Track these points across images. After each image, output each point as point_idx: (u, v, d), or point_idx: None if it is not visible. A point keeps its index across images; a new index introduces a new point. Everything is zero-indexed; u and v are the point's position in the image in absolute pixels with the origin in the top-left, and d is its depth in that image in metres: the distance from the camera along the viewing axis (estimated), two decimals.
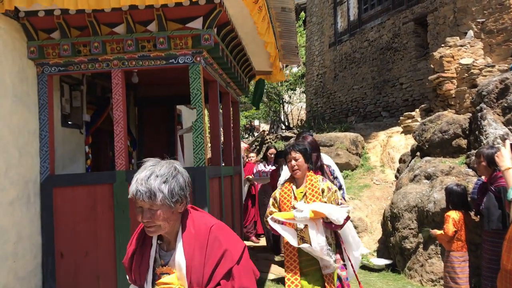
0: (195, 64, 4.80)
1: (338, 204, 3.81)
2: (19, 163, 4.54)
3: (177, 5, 4.54)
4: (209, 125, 6.27)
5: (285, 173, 4.59)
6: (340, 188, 4.42)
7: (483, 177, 4.90)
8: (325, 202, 3.76)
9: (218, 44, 5.06)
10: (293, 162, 3.92)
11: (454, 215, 4.91)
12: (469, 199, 5.20)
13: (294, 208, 3.82)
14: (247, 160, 9.49)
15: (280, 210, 3.93)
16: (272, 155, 8.39)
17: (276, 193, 4.02)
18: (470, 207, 5.13)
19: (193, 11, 4.66)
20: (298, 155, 3.90)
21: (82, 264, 4.77)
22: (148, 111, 8.15)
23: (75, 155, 5.95)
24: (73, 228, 4.82)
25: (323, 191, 3.82)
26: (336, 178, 4.54)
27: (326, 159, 4.60)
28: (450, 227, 4.83)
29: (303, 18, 19.09)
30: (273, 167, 7.93)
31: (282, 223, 3.86)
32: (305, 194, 3.84)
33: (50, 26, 4.79)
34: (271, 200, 4.01)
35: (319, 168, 4.23)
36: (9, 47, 4.53)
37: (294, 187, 3.94)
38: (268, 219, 3.94)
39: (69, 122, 5.83)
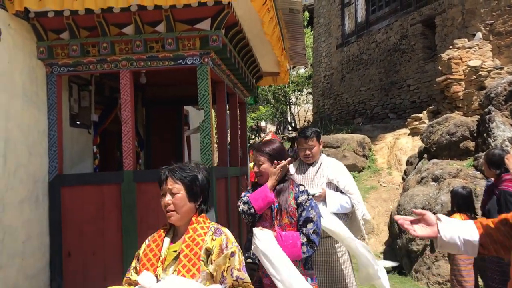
0: (203, 65, 4.82)
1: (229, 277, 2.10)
2: (29, 163, 4.58)
3: (185, 6, 4.57)
4: (216, 126, 6.28)
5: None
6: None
7: (492, 179, 4.88)
8: (208, 272, 2.08)
9: (226, 45, 5.08)
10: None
11: (458, 218, 4.88)
12: (479, 203, 5.16)
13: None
14: None
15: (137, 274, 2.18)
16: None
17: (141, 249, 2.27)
18: (476, 210, 5.10)
19: (201, 12, 4.68)
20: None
21: (90, 263, 4.80)
22: (156, 111, 8.18)
23: (83, 155, 5.99)
24: (81, 228, 4.85)
25: (208, 253, 2.10)
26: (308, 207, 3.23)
27: (334, 165, 3.90)
28: None
29: (307, 19, 19.08)
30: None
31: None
32: (178, 255, 2.12)
33: (59, 26, 4.83)
34: (134, 260, 2.26)
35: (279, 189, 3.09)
36: (19, 47, 4.57)
37: (167, 239, 2.20)
38: None
39: (78, 122, 5.87)
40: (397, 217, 1.93)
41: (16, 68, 4.46)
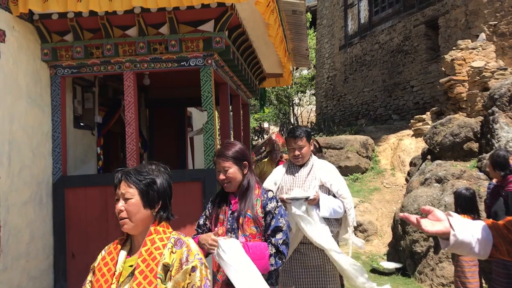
0: (206, 66, 4.83)
1: None
2: (33, 164, 4.60)
3: (188, 8, 4.58)
4: (219, 127, 6.29)
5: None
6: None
7: (494, 181, 4.87)
8: None
9: (229, 47, 5.09)
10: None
11: None
12: (482, 204, 5.15)
13: None
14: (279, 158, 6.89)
15: None
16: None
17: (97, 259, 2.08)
18: (479, 212, 5.08)
19: (204, 14, 4.70)
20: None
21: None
22: (159, 113, 8.20)
23: (87, 156, 6.01)
24: (85, 229, 4.86)
25: (167, 269, 1.85)
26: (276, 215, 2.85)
27: (326, 167, 3.67)
28: None
29: (310, 20, 19.09)
30: None
31: None
32: (133, 271, 1.89)
33: (63, 28, 4.85)
34: (90, 273, 2.06)
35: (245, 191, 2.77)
36: (24, 49, 4.59)
37: (123, 252, 1.98)
38: None
39: (81, 124, 5.89)
40: (401, 214, 1.78)
41: (20, 70, 4.48)
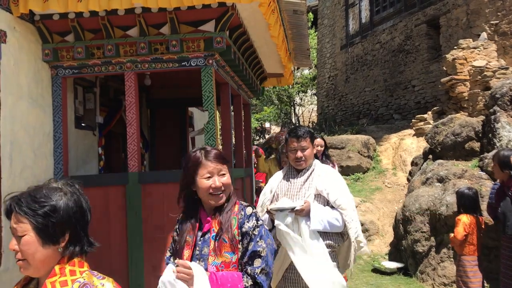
0: (207, 66, 4.83)
1: None
2: (34, 164, 4.60)
3: (189, 8, 4.58)
4: (220, 127, 6.29)
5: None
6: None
7: (498, 181, 4.86)
8: None
9: (230, 46, 5.09)
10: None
11: (464, 219, 4.87)
12: (484, 203, 5.14)
13: None
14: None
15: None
16: (319, 147, 5.85)
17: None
18: (481, 211, 5.07)
19: (205, 14, 4.69)
20: None
21: (95, 264, 4.80)
22: (161, 113, 8.20)
23: (88, 157, 6.01)
24: None
25: None
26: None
27: (325, 173, 3.27)
28: (460, 231, 4.78)
29: (312, 20, 19.09)
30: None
31: None
32: None
33: (64, 29, 4.85)
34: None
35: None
36: (25, 49, 4.60)
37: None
38: None
39: (83, 124, 5.89)
40: None
41: (21, 70, 4.49)
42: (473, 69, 8.71)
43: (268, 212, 3.03)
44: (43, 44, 4.87)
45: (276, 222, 2.96)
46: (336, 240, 3.14)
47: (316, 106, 19.21)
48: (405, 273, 6.77)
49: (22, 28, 4.58)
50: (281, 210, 2.96)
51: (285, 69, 7.79)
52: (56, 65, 4.96)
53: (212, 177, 2.20)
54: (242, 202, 2.29)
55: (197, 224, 2.24)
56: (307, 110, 22.04)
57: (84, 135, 5.94)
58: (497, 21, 9.56)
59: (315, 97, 19.81)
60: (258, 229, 2.19)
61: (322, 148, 5.81)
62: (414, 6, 12.46)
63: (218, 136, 6.73)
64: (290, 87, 19.09)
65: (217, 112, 6.55)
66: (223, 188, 2.21)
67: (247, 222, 2.19)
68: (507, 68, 8.37)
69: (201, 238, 2.20)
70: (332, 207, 3.11)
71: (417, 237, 6.54)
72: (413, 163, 8.79)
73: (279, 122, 23.11)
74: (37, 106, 4.70)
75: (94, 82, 6.15)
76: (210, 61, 4.82)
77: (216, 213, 2.22)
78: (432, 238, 6.32)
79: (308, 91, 21.03)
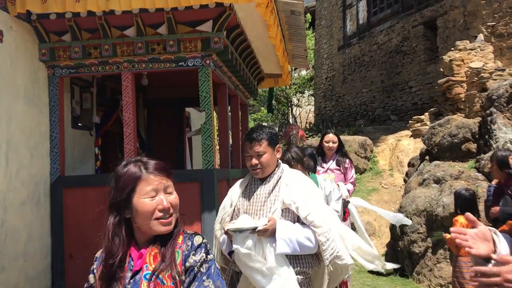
0: (205, 67, 4.83)
1: None
2: (30, 164, 4.59)
3: (187, 8, 4.58)
4: (217, 127, 6.29)
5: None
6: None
7: (493, 183, 4.87)
8: None
9: (227, 47, 5.09)
10: None
11: (462, 220, 4.87)
12: (481, 205, 5.14)
13: None
14: None
15: None
16: (331, 143, 5.25)
17: None
18: (479, 212, 5.08)
19: (202, 14, 4.69)
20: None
21: (91, 265, 4.80)
22: (158, 113, 8.19)
23: (85, 157, 6.00)
24: (82, 229, 4.85)
25: None
26: None
27: (295, 181, 2.70)
28: None
29: (310, 21, 19.11)
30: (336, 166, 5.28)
31: None
32: None
33: (61, 28, 4.84)
34: None
35: None
36: (22, 49, 4.58)
37: None
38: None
39: (79, 124, 5.88)
40: (452, 230, 1.48)
41: (18, 70, 4.48)
42: (470, 70, 8.73)
43: (226, 233, 2.50)
44: (40, 43, 4.86)
45: (235, 246, 2.44)
46: (310, 264, 2.59)
47: (313, 107, 19.23)
48: (401, 274, 6.77)
49: (19, 27, 4.57)
50: (240, 231, 2.42)
51: (282, 70, 7.80)
52: (53, 65, 4.94)
53: (158, 195, 1.68)
54: (187, 231, 1.75)
55: (126, 262, 1.68)
56: (304, 111, 22.05)
57: (81, 135, 5.93)
58: (494, 23, 9.59)
59: (312, 98, 19.83)
60: (207, 265, 1.65)
61: (335, 145, 5.23)
62: (411, 8, 12.49)
63: (215, 137, 6.72)
64: (287, 87, 19.10)
65: (214, 112, 6.54)
66: (171, 211, 1.69)
67: (194, 255, 1.66)
68: (503, 70, 8.40)
69: (131, 281, 1.66)
70: (304, 223, 2.55)
71: (414, 238, 6.54)
72: (410, 164, 8.80)
73: (277, 123, 23.11)
74: (33, 106, 4.68)
75: (91, 82, 6.14)
76: (207, 62, 4.82)
77: (153, 244, 1.68)
78: (429, 239, 6.33)
79: (305, 92, 21.04)
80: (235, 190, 2.79)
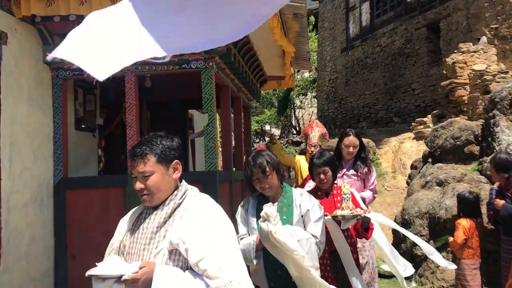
0: (207, 69, 4.84)
1: None
2: (33, 166, 4.61)
3: None
4: (220, 129, 6.30)
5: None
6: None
7: (495, 185, 4.86)
8: None
9: (230, 49, 5.10)
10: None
11: (464, 223, 4.87)
12: (483, 207, 5.13)
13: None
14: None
15: None
16: (351, 148, 4.47)
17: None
18: (482, 215, 5.07)
19: None
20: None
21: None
22: (160, 115, 8.21)
23: (88, 158, 6.02)
24: (86, 231, 4.87)
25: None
26: None
27: (191, 213, 2.00)
28: (460, 235, 4.79)
29: (313, 23, 19.13)
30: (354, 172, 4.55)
31: None
32: None
33: (65, 31, 4.81)
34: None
35: None
36: (26, 51, 4.61)
37: None
38: None
39: (83, 126, 5.90)
40: None
41: (22, 72, 4.50)
42: (473, 73, 8.72)
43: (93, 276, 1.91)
44: (44, 45, 4.88)
45: None
46: None
47: (316, 109, 19.22)
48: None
49: (23, 29, 4.59)
50: (103, 278, 1.87)
51: (285, 72, 7.81)
52: (57, 67, 4.97)
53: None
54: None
55: None
56: (307, 113, 22.05)
57: (84, 137, 5.95)
58: (497, 25, 9.58)
59: (315, 100, 19.83)
60: None
61: (356, 150, 4.41)
62: (414, 10, 12.49)
63: (218, 139, 6.74)
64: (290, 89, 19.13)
65: (217, 114, 6.55)
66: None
67: None
68: (506, 72, 8.38)
69: None
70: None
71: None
72: (413, 167, 8.79)
73: (279, 125, 23.12)
74: (37, 108, 4.71)
75: (94, 84, 6.15)
76: (210, 64, 4.83)
77: None
78: (431, 242, 6.32)
79: (308, 93, 21.05)
80: (125, 221, 2.20)
